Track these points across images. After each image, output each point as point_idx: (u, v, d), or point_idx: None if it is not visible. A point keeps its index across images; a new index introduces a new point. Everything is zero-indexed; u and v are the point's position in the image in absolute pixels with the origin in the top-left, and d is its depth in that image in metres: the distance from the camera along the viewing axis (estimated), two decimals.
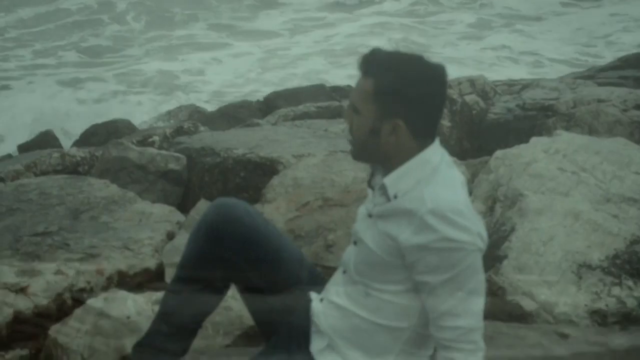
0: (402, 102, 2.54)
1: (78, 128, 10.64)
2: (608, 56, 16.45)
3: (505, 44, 17.37)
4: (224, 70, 15.83)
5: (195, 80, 15.20)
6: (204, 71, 15.71)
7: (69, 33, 17.98)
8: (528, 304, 3.91)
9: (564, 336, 3.67)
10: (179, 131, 6.82)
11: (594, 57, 16.77)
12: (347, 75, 15.04)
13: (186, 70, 15.67)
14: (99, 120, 9.21)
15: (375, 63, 2.59)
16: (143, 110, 12.52)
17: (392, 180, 2.60)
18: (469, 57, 15.76)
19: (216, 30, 18.48)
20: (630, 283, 4.01)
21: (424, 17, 19.38)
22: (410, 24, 18.84)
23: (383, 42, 17.15)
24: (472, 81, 7.15)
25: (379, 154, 2.62)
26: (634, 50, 16.54)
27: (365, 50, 2.65)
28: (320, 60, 16.33)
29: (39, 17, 18.85)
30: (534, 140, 5.03)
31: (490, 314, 3.28)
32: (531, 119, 6.68)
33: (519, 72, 14.56)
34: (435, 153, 2.62)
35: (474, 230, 2.51)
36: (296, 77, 15.26)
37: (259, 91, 14.13)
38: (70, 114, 12.74)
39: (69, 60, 16.32)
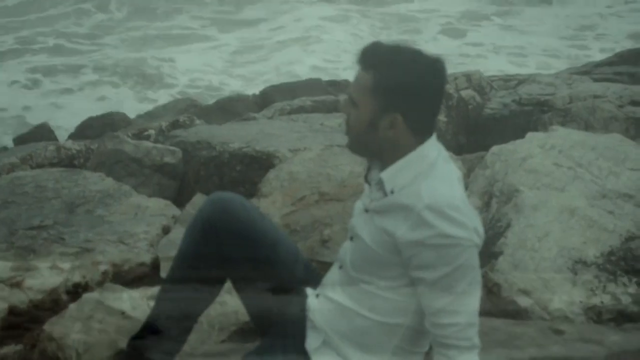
0: (401, 96, 2.53)
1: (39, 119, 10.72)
2: (594, 47, 16.47)
3: (491, 37, 17.36)
4: (195, 62, 15.85)
5: (164, 72, 15.20)
6: (175, 62, 15.74)
7: (53, 21, 18.00)
8: (523, 301, 3.91)
9: (559, 333, 3.67)
10: (175, 124, 6.81)
11: (582, 48, 16.79)
12: (312, 65, 15.11)
13: (156, 62, 15.68)
14: (61, 112, 9.26)
15: (374, 57, 2.58)
16: (108, 104, 12.51)
17: (389, 175, 2.59)
18: (452, 53, 15.77)
19: (198, 20, 18.49)
20: (625, 280, 4.01)
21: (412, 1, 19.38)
22: (394, 13, 18.82)
23: (354, 32, 17.26)
24: (468, 76, 7.15)
25: (377, 148, 2.61)
26: (622, 41, 16.55)
27: (365, 44, 2.64)
28: (292, 51, 16.35)
29: (24, 5, 18.85)
30: (529, 135, 5.03)
31: (485, 311, 3.28)
32: (527, 114, 6.69)
33: (502, 66, 14.59)
34: (433, 148, 2.61)
35: (470, 226, 2.50)
36: (267, 69, 15.29)
37: (226, 84, 14.14)
38: (33, 106, 12.79)
39: (44, 49, 16.36)
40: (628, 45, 16.84)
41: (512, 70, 14.21)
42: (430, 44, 16.47)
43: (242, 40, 17.16)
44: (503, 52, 16.48)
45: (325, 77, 11.05)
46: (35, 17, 18.34)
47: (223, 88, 14.18)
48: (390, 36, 17.03)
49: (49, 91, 14.01)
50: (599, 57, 15.86)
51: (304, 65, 15.42)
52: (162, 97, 13.55)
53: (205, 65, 15.63)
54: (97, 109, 9.97)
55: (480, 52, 16.45)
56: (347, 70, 14.69)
